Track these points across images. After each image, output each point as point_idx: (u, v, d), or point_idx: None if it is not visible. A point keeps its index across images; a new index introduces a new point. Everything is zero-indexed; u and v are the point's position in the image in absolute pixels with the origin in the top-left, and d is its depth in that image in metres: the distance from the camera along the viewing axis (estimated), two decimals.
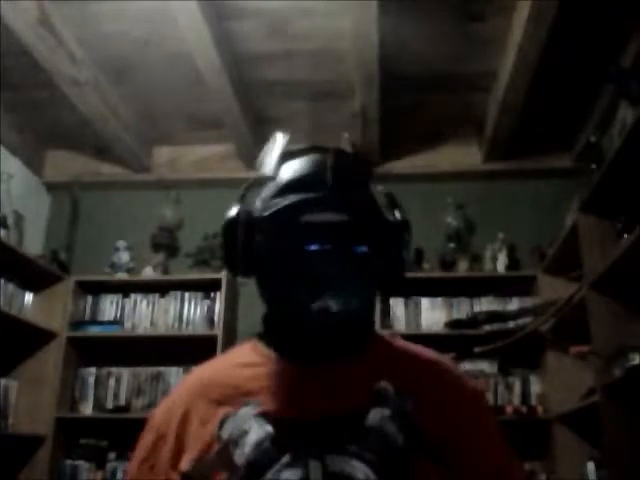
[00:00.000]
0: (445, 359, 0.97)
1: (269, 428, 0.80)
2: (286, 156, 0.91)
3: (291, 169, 0.89)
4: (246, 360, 0.91)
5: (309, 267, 0.83)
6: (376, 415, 0.81)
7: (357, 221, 0.85)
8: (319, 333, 0.86)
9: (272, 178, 0.90)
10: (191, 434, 0.85)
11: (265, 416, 0.81)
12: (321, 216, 0.84)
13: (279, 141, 0.93)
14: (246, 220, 0.89)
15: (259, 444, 0.79)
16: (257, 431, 0.80)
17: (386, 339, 0.96)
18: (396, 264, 0.92)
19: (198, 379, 0.94)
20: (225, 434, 0.82)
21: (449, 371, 0.94)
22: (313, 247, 0.83)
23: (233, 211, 0.91)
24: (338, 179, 0.86)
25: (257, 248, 0.88)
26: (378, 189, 0.92)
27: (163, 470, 0.85)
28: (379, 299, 3.28)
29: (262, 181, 0.92)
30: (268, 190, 0.90)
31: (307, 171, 0.87)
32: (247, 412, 0.83)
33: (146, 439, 0.90)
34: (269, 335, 0.93)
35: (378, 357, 0.91)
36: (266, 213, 0.87)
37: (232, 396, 0.86)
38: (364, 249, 0.86)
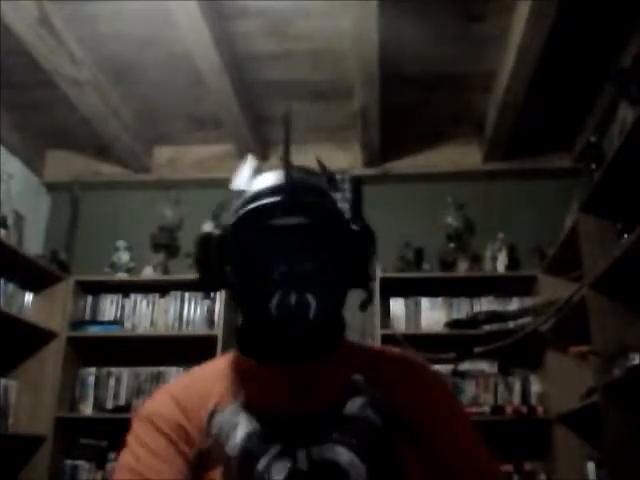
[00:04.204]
0: (411, 355, 1.04)
1: (257, 424, 0.84)
2: (255, 173, 1.00)
3: (257, 183, 0.96)
4: (228, 366, 0.97)
5: (272, 268, 0.88)
6: (354, 404, 0.87)
7: (317, 223, 0.91)
8: (288, 333, 0.89)
9: (242, 193, 0.97)
10: (187, 427, 0.89)
11: (252, 411, 0.86)
12: (282, 220, 0.90)
13: (250, 161, 1.01)
14: (218, 235, 0.95)
15: (249, 436, 0.83)
16: (246, 425, 0.84)
17: (353, 342, 1.02)
18: (359, 271, 0.96)
19: (181, 381, 1.01)
20: (214, 429, 0.86)
21: (415, 365, 1.01)
22: (275, 249, 0.89)
23: (206, 228, 0.96)
24: (297, 187, 0.91)
25: (229, 260, 0.94)
26: (343, 201, 1.00)
27: (171, 457, 0.88)
28: (380, 301, 3.28)
29: (234, 198, 0.99)
30: (237, 204, 0.96)
31: (270, 183, 0.94)
32: (233, 408, 0.87)
33: (146, 431, 0.92)
34: (245, 343, 0.98)
35: (348, 357, 0.98)
36: (231, 221, 0.93)
37: (218, 395, 0.91)
38: (326, 249, 0.92)
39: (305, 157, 1.03)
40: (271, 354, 0.93)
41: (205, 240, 0.95)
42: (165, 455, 0.87)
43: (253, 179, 0.98)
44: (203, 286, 0.97)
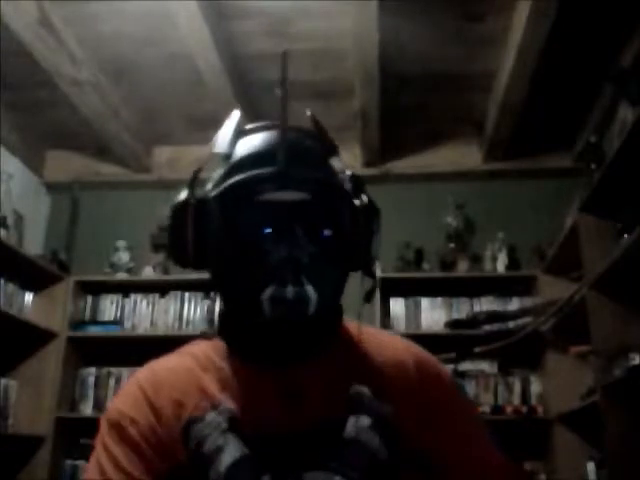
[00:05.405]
0: (417, 349, 0.91)
1: (245, 449, 0.74)
2: (241, 134, 0.84)
3: (244, 146, 0.82)
4: (206, 361, 0.85)
5: (264, 253, 0.76)
6: (353, 425, 0.76)
7: (318, 200, 0.78)
8: (279, 328, 0.78)
9: (225, 157, 0.83)
10: (160, 433, 0.79)
11: (239, 432, 0.75)
12: (277, 195, 0.77)
13: (234, 118, 0.86)
14: (197, 204, 0.81)
15: (235, 465, 0.73)
16: (233, 450, 0.74)
17: (354, 331, 0.87)
18: (362, 253, 0.83)
19: (154, 376, 0.87)
20: (192, 441, 0.76)
21: (425, 363, 0.89)
22: (268, 229, 0.77)
23: (182, 195, 0.83)
24: (293, 155, 0.77)
25: (209, 235, 0.81)
26: (344, 172, 0.85)
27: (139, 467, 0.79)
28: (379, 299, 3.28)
29: (215, 161, 0.85)
30: (220, 170, 0.83)
31: (260, 147, 0.80)
32: (214, 419, 0.76)
33: (112, 435, 0.83)
34: (228, 334, 0.86)
35: (348, 355, 0.85)
36: (215, 193, 0.80)
37: (195, 399, 0.80)
38: (328, 231, 0.80)
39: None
40: (258, 352, 0.82)
41: (181, 209, 0.82)
42: (131, 471, 0.77)
43: (239, 140, 0.83)
44: (179, 263, 0.83)
